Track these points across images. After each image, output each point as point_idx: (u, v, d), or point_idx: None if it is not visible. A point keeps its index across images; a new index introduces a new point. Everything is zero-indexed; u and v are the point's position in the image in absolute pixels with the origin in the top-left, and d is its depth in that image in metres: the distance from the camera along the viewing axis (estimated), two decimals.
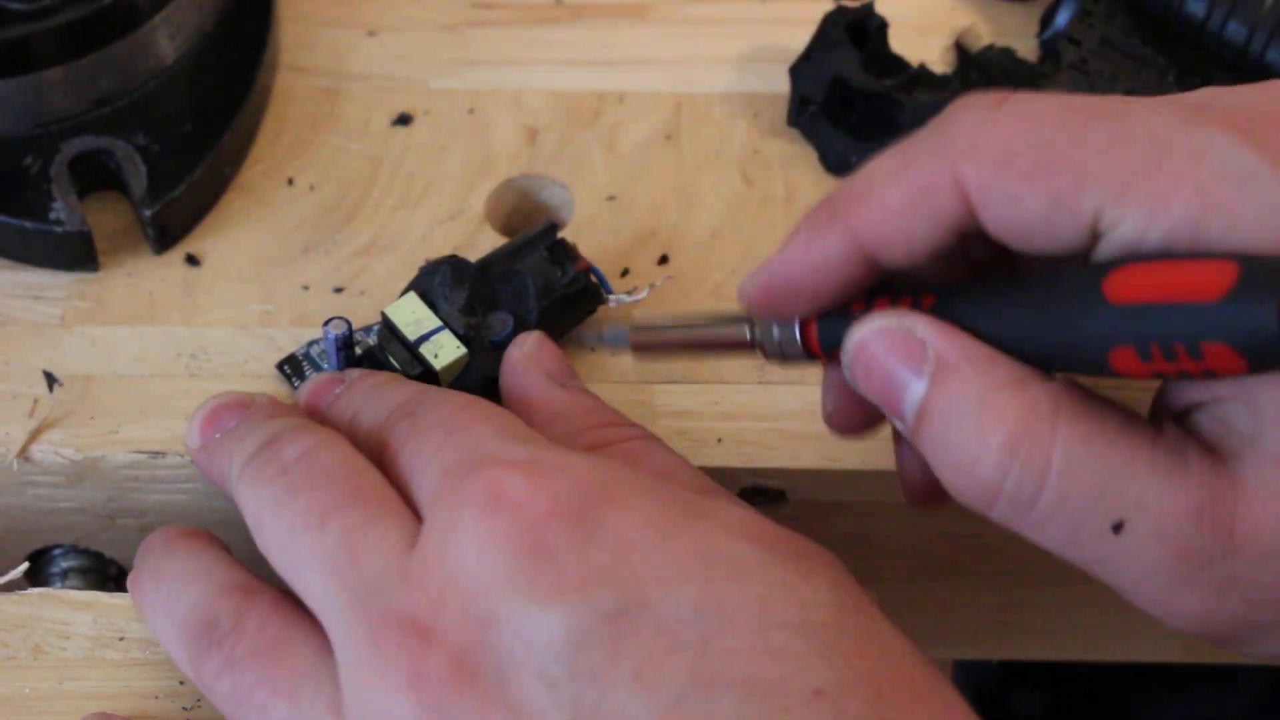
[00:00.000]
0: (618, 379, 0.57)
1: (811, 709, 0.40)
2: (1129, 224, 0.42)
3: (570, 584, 0.42)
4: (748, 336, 0.50)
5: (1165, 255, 0.42)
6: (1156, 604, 0.43)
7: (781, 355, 0.49)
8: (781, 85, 0.64)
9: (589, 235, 0.60)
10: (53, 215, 0.58)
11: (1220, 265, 0.40)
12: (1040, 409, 0.42)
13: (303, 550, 0.45)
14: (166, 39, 0.61)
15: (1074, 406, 0.42)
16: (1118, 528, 0.42)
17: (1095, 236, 0.43)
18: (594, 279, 0.57)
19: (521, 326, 0.55)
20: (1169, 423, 0.43)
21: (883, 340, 0.45)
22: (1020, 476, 0.42)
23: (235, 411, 0.52)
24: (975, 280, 0.45)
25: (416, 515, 0.45)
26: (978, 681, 0.95)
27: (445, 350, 0.54)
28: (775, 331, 0.49)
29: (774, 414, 0.56)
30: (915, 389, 0.44)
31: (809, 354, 0.49)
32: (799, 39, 0.64)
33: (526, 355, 0.53)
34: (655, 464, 0.49)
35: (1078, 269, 0.43)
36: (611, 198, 0.62)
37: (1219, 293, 0.40)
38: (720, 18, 0.68)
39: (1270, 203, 0.41)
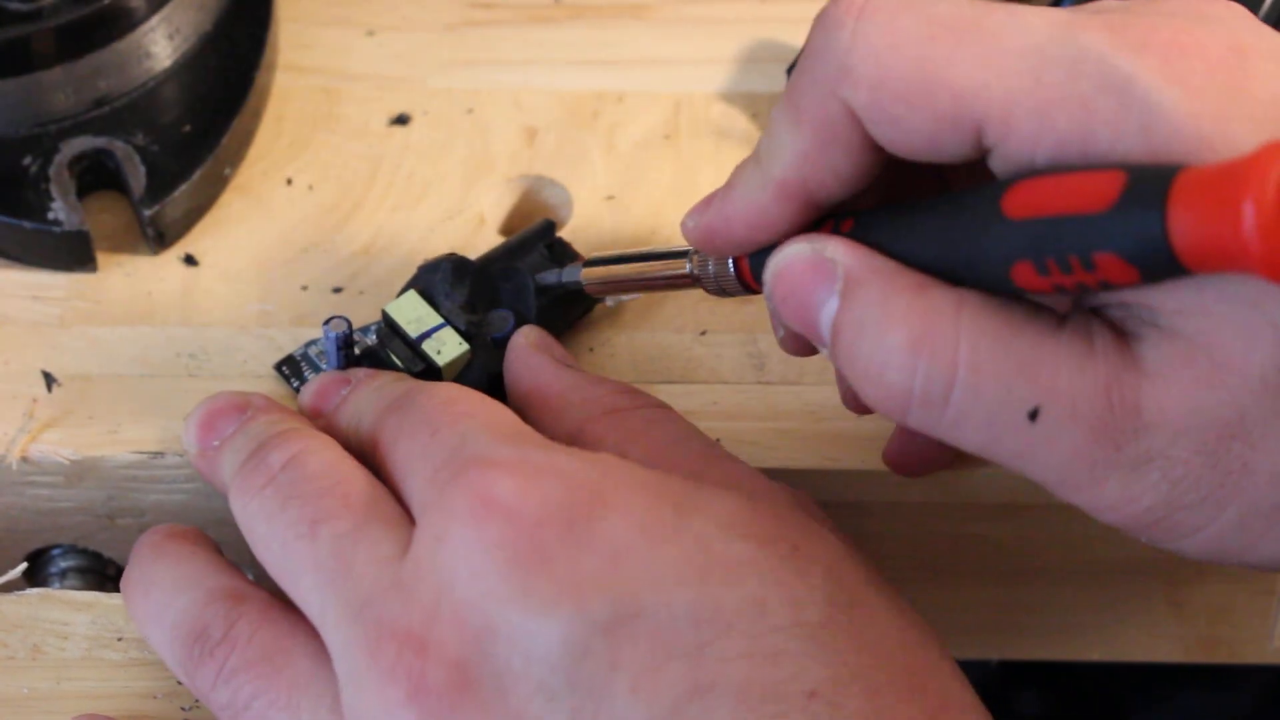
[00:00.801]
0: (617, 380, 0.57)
1: (807, 711, 0.40)
2: (1016, 141, 0.42)
3: (565, 593, 0.41)
4: (686, 270, 0.51)
5: (1057, 169, 0.42)
6: (1082, 493, 0.43)
7: (720, 289, 0.51)
8: (780, 85, 0.64)
9: (588, 235, 0.60)
10: (51, 215, 0.58)
11: (1108, 176, 0.40)
12: (943, 309, 0.43)
13: (296, 561, 0.45)
14: (165, 39, 0.61)
15: (978, 304, 0.43)
16: (1034, 415, 0.42)
17: (985, 149, 0.43)
18: None
19: (522, 323, 0.55)
20: (1076, 311, 0.44)
21: (796, 265, 0.45)
22: (928, 375, 0.42)
23: (230, 416, 0.51)
24: (892, 203, 0.46)
25: (409, 517, 0.45)
26: (978, 681, 0.94)
27: (448, 347, 0.54)
28: (711, 265, 0.50)
29: (772, 414, 0.56)
30: (829, 307, 0.44)
31: (746, 286, 0.50)
32: (797, 38, 0.64)
33: (532, 343, 0.54)
34: (664, 434, 0.49)
35: (981, 187, 0.43)
36: (610, 197, 0.62)
37: (1107, 203, 0.40)
38: (718, 17, 0.67)
39: (1150, 112, 0.40)
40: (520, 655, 0.41)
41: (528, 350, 0.53)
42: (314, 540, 0.45)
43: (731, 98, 0.65)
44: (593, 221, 0.61)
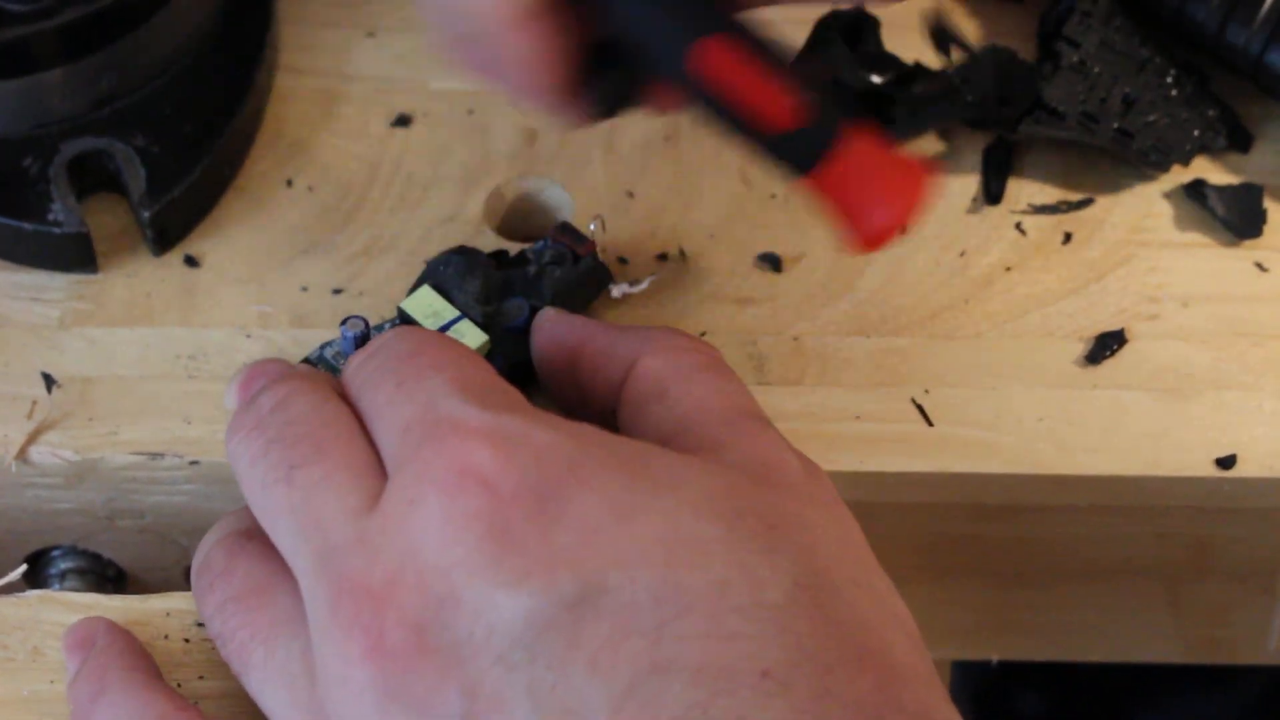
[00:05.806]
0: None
1: (758, 689, 0.40)
2: None
3: (534, 568, 0.42)
4: None
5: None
6: None
7: None
8: None
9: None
10: (51, 216, 0.58)
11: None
12: None
13: (274, 505, 0.46)
14: (166, 40, 0.61)
15: None
16: None
17: None
18: (602, 260, 0.58)
19: (534, 312, 0.55)
20: None
21: None
22: None
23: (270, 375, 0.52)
24: None
25: (380, 464, 0.45)
26: (978, 682, 0.95)
27: (468, 338, 0.54)
28: None
29: (772, 414, 0.56)
30: None
31: None
32: (797, 38, 0.64)
33: (566, 315, 0.54)
34: (707, 382, 0.50)
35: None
36: (611, 199, 0.62)
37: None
38: None
39: None
40: (483, 626, 0.42)
41: (564, 315, 0.53)
42: (289, 485, 0.45)
43: None
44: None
